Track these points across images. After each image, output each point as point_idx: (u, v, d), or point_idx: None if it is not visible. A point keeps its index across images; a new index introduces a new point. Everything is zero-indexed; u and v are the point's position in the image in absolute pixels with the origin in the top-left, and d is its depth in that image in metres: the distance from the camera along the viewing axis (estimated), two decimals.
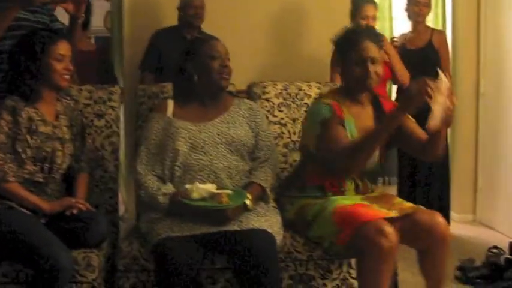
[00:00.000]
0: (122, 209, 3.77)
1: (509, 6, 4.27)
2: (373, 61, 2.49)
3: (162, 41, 4.00)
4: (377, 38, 2.58)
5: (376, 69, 2.50)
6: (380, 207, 2.41)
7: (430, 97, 2.20)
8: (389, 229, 2.22)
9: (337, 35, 2.60)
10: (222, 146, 2.45)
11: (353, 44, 2.51)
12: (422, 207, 2.47)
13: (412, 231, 2.37)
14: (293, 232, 2.51)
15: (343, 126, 2.47)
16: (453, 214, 4.41)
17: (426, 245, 2.37)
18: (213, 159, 2.42)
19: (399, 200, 2.58)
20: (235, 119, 2.53)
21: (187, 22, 4.02)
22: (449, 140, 4.27)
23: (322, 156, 2.49)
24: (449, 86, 2.26)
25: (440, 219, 2.37)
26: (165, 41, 3.96)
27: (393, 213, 2.36)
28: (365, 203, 2.43)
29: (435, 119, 2.24)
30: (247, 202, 2.33)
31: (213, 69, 2.50)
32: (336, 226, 2.34)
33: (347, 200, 2.44)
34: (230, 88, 2.71)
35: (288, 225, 2.52)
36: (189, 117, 2.51)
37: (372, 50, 2.50)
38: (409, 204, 2.48)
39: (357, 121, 2.52)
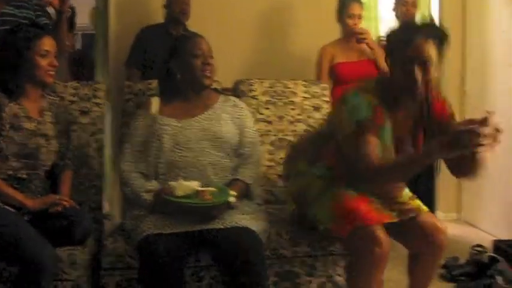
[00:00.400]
0: (106, 207, 3.75)
1: (494, 6, 4.30)
2: (425, 62, 2.18)
3: (147, 37, 3.99)
4: (437, 33, 2.22)
5: (427, 72, 2.19)
6: (383, 203, 2.32)
7: (480, 146, 1.94)
8: (384, 237, 2.17)
9: (391, 30, 2.33)
10: (206, 143, 2.44)
11: (404, 42, 2.20)
12: (426, 209, 2.40)
13: (411, 233, 2.35)
14: (279, 228, 2.51)
15: (379, 134, 2.23)
16: (438, 213, 4.44)
17: (422, 248, 2.35)
18: (198, 156, 2.42)
19: (406, 194, 2.44)
20: (219, 116, 2.52)
21: (172, 19, 4.01)
22: None
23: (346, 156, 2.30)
24: (496, 125, 1.97)
25: (441, 225, 2.34)
26: (151, 38, 3.95)
27: (394, 218, 2.30)
28: (368, 196, 2.31)
29: (480, 163, 2.12)
30: (231, 199, 2.33)
31: (195, 67, 2.49)
32: (335, 217, 2.28)
33: (351, 190, 2.31)
34: (216, 85, 2.71)
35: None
36: (174, 114, 2.50)
37: (425, 49, 2.17)
38: (413, 205, 2.39)
39: (394, 127, 2.28)
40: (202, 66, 2.49)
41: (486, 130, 1.93)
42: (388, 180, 2.28)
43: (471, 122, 1.98)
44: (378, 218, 2.24)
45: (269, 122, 2.95)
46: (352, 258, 2.30)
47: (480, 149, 1.96)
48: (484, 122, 1.94)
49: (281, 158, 2.90)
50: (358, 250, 2.23)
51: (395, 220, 2.30)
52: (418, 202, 2.43)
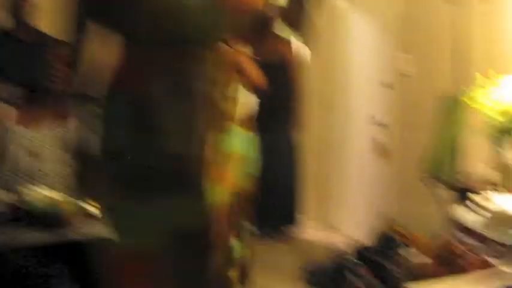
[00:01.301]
0: None
1: (354, 23, 4.53)
2: None
3: None
4: None
5: None
6: None
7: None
8: None
9: None
10: (61, 152, 2.40)
11: None
12: None
13: None
14: None
15: None
16: (306, 220, 4.57)
17: None
18: (54, 165, 2.38)
19: None
20: (77, 125, 2.47)
21: (20, 23, 3.85)
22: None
23: None
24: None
25: None
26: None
27: None
28: None
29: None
30: (88, 208, 2.26)
31: (44, 74, 2.44)
32: None
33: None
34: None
35: None
36: (28, 123, 2.44)
37: None
38: None
39: None
40: (49, 74, 2.44)
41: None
42: None
43: None
44: None
45: None
46: None
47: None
48: None
49: None
50: None
51: None
52: None
